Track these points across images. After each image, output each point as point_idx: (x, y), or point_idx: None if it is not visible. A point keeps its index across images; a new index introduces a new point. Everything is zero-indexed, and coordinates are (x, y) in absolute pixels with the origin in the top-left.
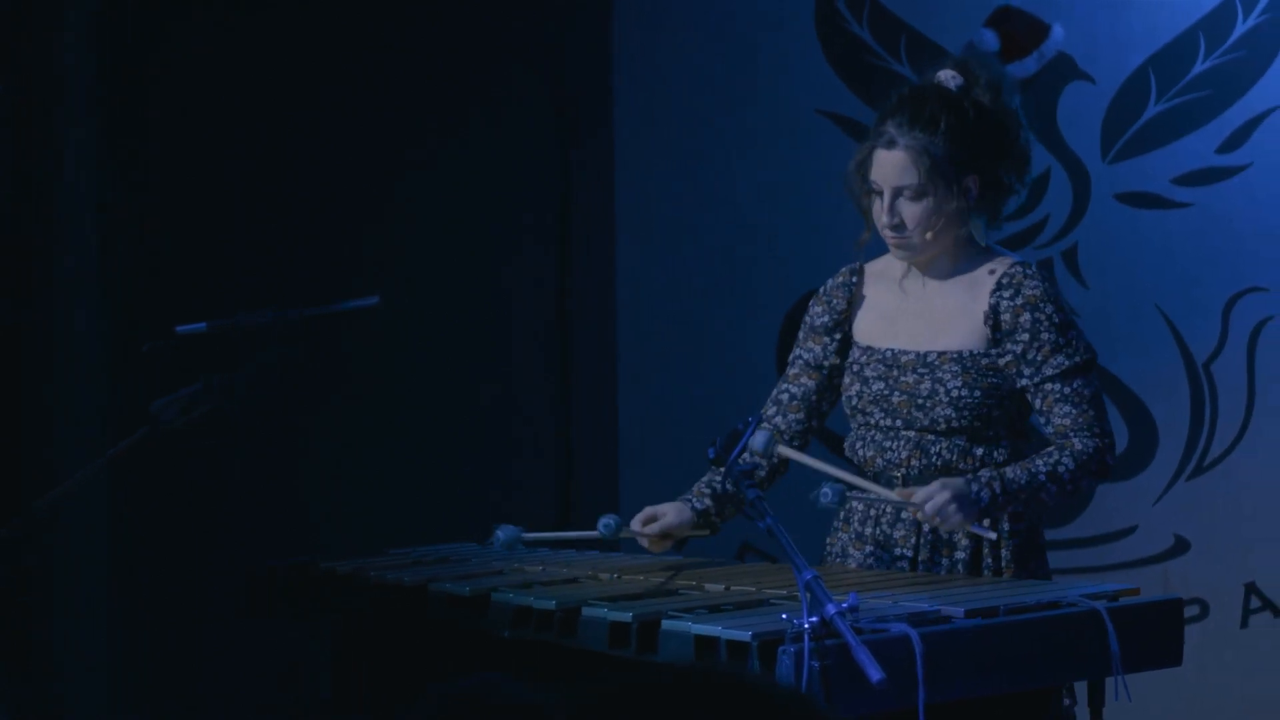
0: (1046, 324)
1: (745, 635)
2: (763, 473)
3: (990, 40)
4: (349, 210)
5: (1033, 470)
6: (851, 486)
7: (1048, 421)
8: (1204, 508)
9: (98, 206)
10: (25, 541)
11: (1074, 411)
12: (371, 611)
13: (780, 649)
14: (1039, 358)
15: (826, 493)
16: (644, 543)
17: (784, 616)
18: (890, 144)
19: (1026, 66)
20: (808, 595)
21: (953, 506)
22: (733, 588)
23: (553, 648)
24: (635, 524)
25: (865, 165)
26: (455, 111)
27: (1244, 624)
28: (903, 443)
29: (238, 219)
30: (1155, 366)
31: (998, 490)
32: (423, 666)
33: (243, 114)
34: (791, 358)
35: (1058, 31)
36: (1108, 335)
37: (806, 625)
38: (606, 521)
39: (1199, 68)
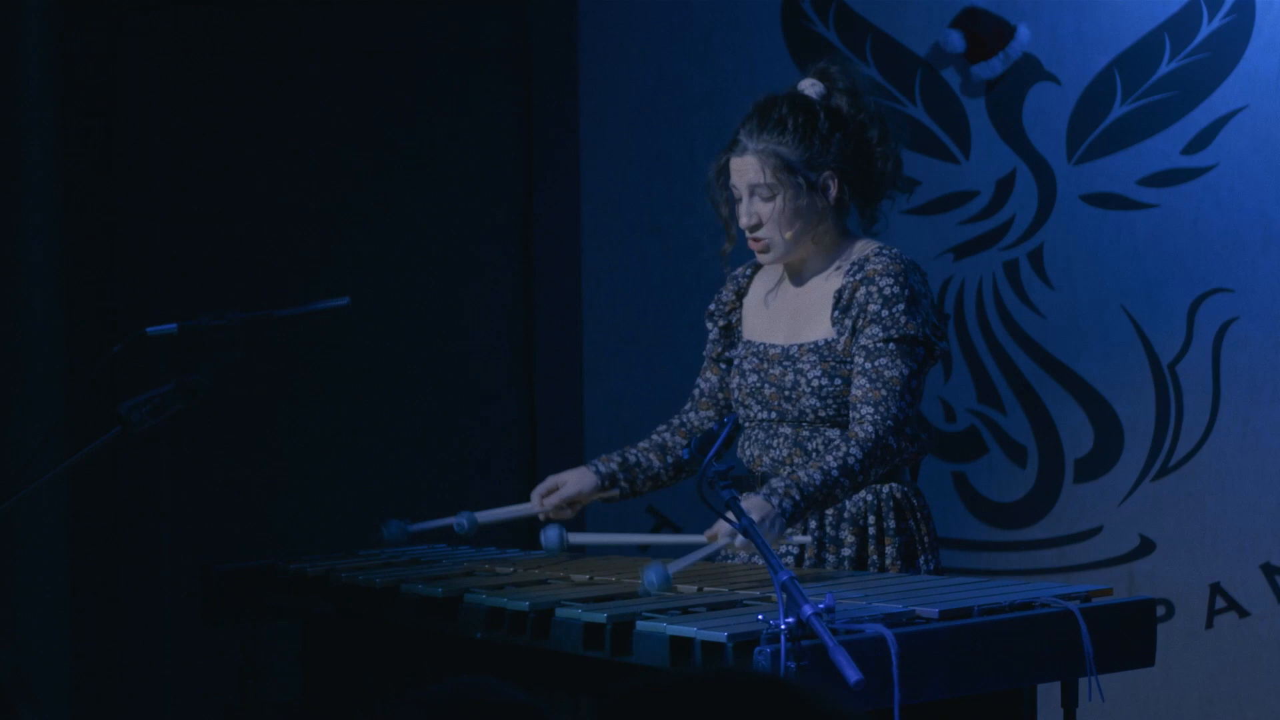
0: (876, 295)
1: (721, 636)
2: (740, 472)
3: (956, 41)
4: (316, 211)
5: (825, 468)
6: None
7: (851, 391)
8: (1169, 508)
9: (63, 207)
10: None
11: (867, 385)
12: (341, 613)
13: (756, 650)
14: (860, 326)
15: (653, 580)
16: (541, 513)
17: (760, 617)
18: (741, 150)
19: (992, 67)
20: (784, 596)
21: (764, 525)
22: (706, 589)
23: (525, 650)
24: (535, 495)
25: (723, 175)
26: (421, 113)
27: (1209, 624)
28: (782, 440)
29: (205, 221)
30: (1120, 367)
31: (797, 498)
32: (394, 669)
33: (211, 116)
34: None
35: (1023, 33)
36: (1073, 336)
37: (783, 626)
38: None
39: (1164, 69)
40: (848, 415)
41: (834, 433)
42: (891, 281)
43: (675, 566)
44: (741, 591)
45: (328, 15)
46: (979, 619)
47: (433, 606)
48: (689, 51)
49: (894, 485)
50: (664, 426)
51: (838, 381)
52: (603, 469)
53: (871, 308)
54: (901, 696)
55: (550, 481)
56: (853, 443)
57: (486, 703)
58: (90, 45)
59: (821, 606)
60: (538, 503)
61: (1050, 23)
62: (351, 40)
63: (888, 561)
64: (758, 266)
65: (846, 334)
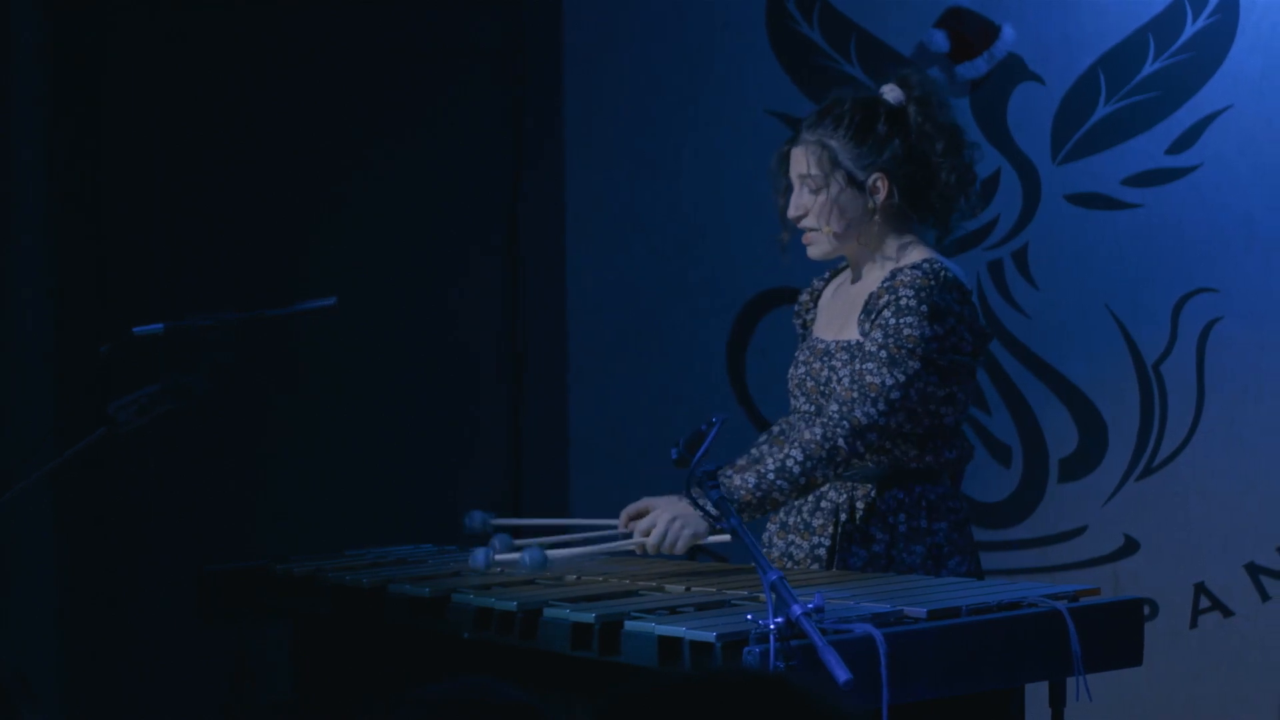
0: (892, 303)
1: (709, 636)
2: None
3: (940, 41)
4: (304, 212)
5: (761, 471)
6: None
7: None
8: (1154, 508)
9: (53, 206)
10: None
11: (846, 384)
12: (330, 613)
13: (745, 650)
14: (868, 329)
15: (524, 559)
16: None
17: (749, 617)
18: (798, 140)
19: (977, 67)
20: (773, 596)
21: (676, 525)
22: (693, 589)
23: (513, 649)
24: (623, 516)
25: (784, 163)
26: (407, 113)
27: (1193, 624)
28: None
29: (192, 220)
30: (1105, 367)
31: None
32: (383, 668)
33: (199, 115)
34: None
35: (1008, 32)
36: (1058, 336)
37: (772, 626)
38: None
39: (1149, 69)
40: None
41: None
42: (912, 294)
43: (563, 553)
44: (729, 591)
45: (315, 15)
46: (967, 619)
47: (420, 606)
48: (674, 51)
49: (928, 486)
50: (770, 430)
51: None
52: (701, 500)
53: (885, 314)
54: (890, 696)
55: (643, 503)
56: (796, 444)
57: (487, 703)
58: (80, 43)
59: (810, 606)
60: (624, 524)
61: (1035, 22)
62: (337, 41)
63: (916, 560)
64: (836, 270)
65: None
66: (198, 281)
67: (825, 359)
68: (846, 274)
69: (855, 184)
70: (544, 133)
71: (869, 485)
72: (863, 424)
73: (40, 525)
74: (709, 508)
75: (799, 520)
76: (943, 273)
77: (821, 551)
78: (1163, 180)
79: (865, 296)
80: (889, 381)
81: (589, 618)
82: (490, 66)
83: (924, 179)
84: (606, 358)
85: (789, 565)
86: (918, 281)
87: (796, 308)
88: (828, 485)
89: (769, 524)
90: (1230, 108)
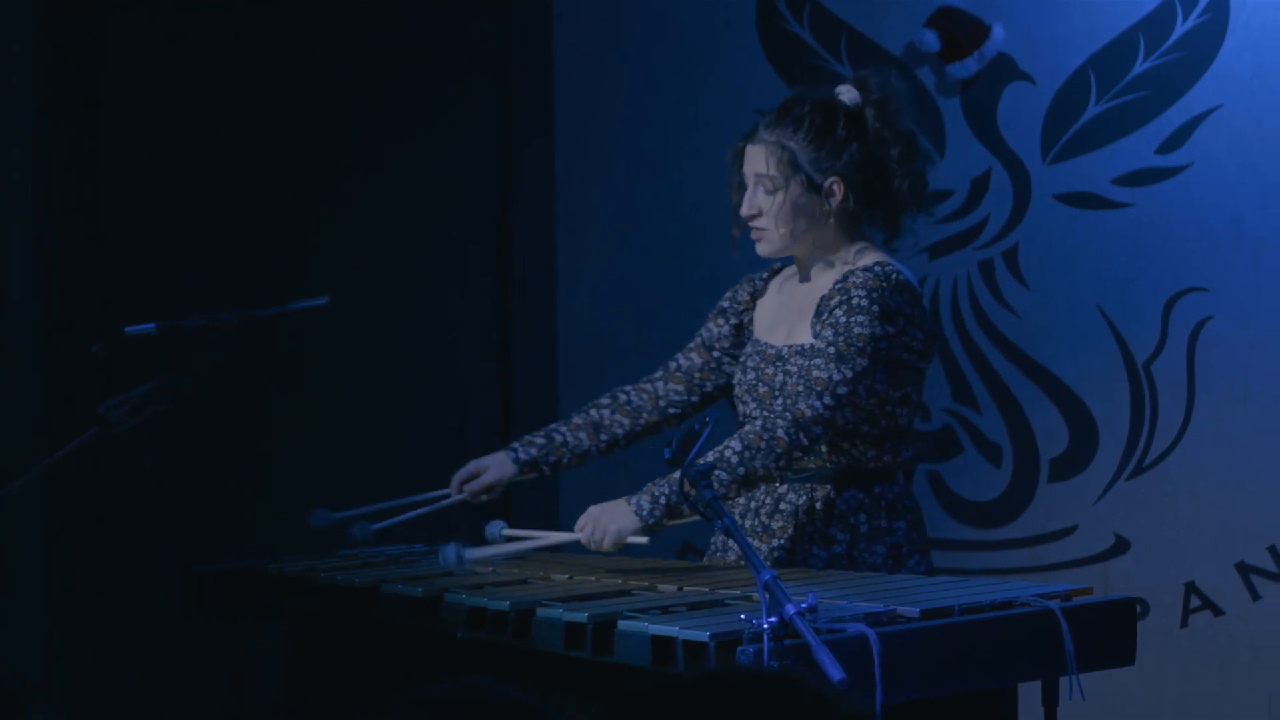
0: (842, 303)
1: (703, 635)
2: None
3: (931, 41)
4: (296, 211)
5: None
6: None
7: None
8: (1144, 507)
9: (41, 206)
10: None
11: (791, 380)
12: (322, 613)
13: (739, 649)
14: (819, 328)
15: (448, 554)
16: (460, 498)
17: (742, 617)
18: (755, 139)
19: (967, 67)
20: (766, 595)
21: (603, 521)
22: (686, 588)
23: (505, 649)
24: (454, 481)
25: (738, 160)
26: (399, 113)
27: (1184, 623)
28: None
29: (185, 220)
30: (1095, 366)
31: (657, 496)
32: (375, 668)
33: (191, 115)
34: (697, 334)
35: (998, 32)
36: (1048, 335)
37: (765, 625)
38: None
39: (1139, 68)
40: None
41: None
42: (864, 294)
43: (478, 552)
44: (722, 591)
45: (307, 16)
46: (960, 618)
47: (413, 606)
48: (664, 51)
49: (886, 486)
50: (615, 394)
51: None
52: (523, 455)
53: (836, 314)
54: (883, 696)
55: (471, 467)
56: (736, 436)
57: (487, 703)
58: (75, 41)
59: (804, 606)
60: (456, 488)
61: (1025, 22)
62: (329, 41)
63: (878, 560)
64: (775, 270)
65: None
66: (190, 281)
67: (778, 364)
68: (788, 274)
69: (812, 187)
70: (535, 133)
71: (827, 486)
72: (806, 416)
73: (34, 526)
74: (701, 507)
75: (757, 523)
76: (894, 275)
77: (780, 554)
78: (1153, 180)
79: (816, 299)
80: (835, 376)
81: (582, 617)
82: (482, 66)
83: (879, 184)
84: (598, 357)
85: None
86: (870, 283)
87: (729, 305)
88: (786, 487)
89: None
90: (1220, 107)
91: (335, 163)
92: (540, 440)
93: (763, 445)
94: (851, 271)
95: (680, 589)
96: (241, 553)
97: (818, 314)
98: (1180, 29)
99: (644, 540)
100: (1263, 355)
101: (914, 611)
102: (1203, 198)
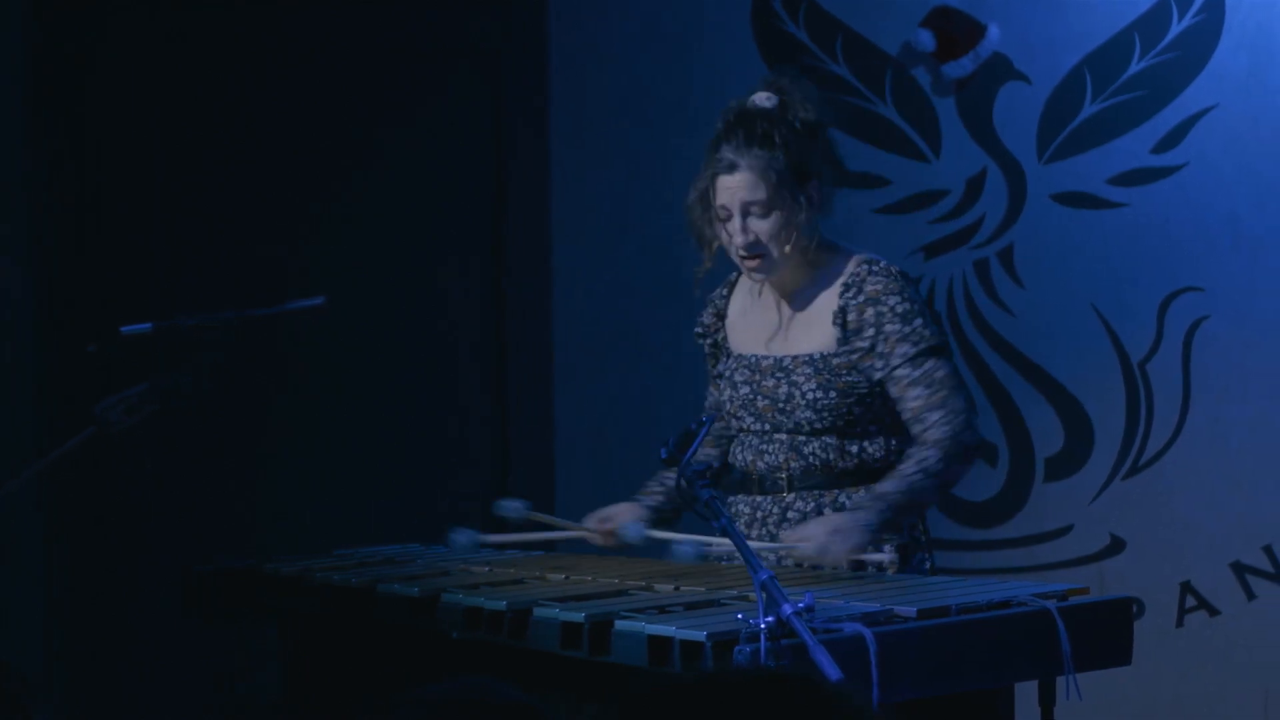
0: (889, 315)
1: (700, 635)
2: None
3: (927, 40)
4: (291, 211)
5: (904, 474)
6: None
7: (903, 408)
8: (1139, 507)
9: (36, 205)
10: None
11: (925, 393)
12: (318, 613)
13: (736, 649)
14: (885, 349)
15: (686, 549)
16: (596, 540)
17: (739, 616)
18: (731, 168)
19: (962, 66)
20: (763, 595)
21: (837, 538)
22: (682, 588)
23: (502, 649)
24: (589, 520)
25: (708, 194)
26: (393, 113)
27: (1179, 623)
28: (778, 445)
29: (180, 219)
30: (1091, 366)
31: (882, 508)
32: (372, 668)
33: (184, 114)
34: None
35: (994, 32)
36: (1043, 335)
37: (763, 625)
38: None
39: (1134, 68)
40: (842, 426)
41: (832, 439)
42: (899, 299)
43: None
44: (719, 591)
45: (302, 15)
46: (957, 618)
47: (409, 606)
48: (660, 51)
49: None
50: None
51: (832, 394)
52: (649, 503)
53: (889, 328)
54: (880, 695)
55: (603, 513)
56: (928, 446)
57: (487, 703)
58: (68, 41)
59: (801, 605)
60: (593, 523)
61: (1020, 22)
62: (323, 41)
63: (886, 560)
64: (731, 285)
65: (859, 355)
66: (185, 281)
67: (780, 375)
68: (746, 286)
69: (801, 198)
70: (529, 133)
71: (834, 491)
72: (968, 409)
73: (32, 526)
74: (699, 507)
75: (764, 532)
76: (893, 269)
77: (789, 561)
78: (1148, 179)
79: (813, 307)
80: (951, 369)
81: (579, 617)
82: (477, 67)
83: (837, 173)
84: (592, 357)
85: None
86: (894, 287)
87: (701, 330)
88: (793, 495)
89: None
90: (1216, 107)
91: (330, 162)
92: (658, 489)
93: (957, 452)
94: (860, 280)
95: (677, 589)
96: (242, 552)
97: (850, 330)
98: (1175, 29)
99: (883, 558)
100: (1258, 355)
101: (911, 611)
102: (1198, 197)
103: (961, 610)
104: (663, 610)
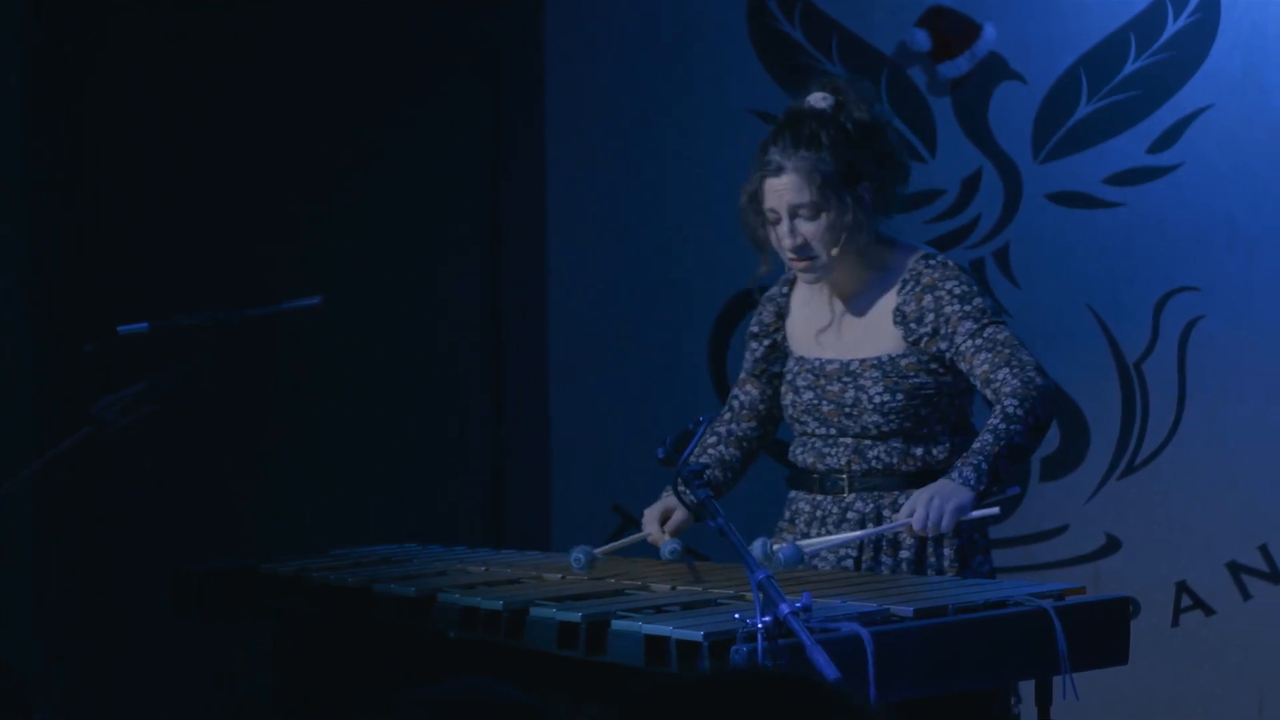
0: (947, 298)
1: (697, 635)
2: (716, 474)
3: (922, 40)
4: (288, 211)
5: (991, 426)
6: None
7: (973, 374)
8: (1135, 507)
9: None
10: None
11: (990, 356)
12: (317, 613)
13: (733, 649)
14: (949, 329)
15: (787, 550)
16: (653, 539)
17: (736, 616)
18: (778, 170)
19: (958, 66)
20: (760, 595)
21: (936, 503)
22: (678, 588)
23: (498, 648)
24: (649, 524)
25: (757, 197)
26: (389, 113)
27: (1175, 623)
28: (841, 449)
29: (178, 218)
30: (1086, 366)
31: (978, 463)
32: (367, 668)
33: (183, 113)
34: (743, 364)
35: (989, 31)
36: (1039, 334)
37: (760, 625)
38: (578, 556)
39: (1130, 68)
40: (909, 429)
41: (898, 442)
42: (955, 283)
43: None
44: (715, 590)
45: (300, 16)
46: (954, 617)
47: (406, 606)
48: (656, 51)
49: None
50: (714, 439)
51: (899, 397)
52: (688, 498)
53: (949, 309)
54: (877, 695)
55: (661, 509)
56: (1005, 395)
57: (487, 703)
58: (67, 40)
59: (798, 605)
60: (657, 529)
61: (1016, 22)
62: (321, 40)
63: (945, 564)
64: (792, 283)
65: (924, 340)
66: (183, 280)
67: (847, 380)
68: (807, 289)
69: (849, 199)
70: (525, 133)
71: (894, 493)
72: (1036, 361)
73: (30, 526)
74: (695, 507)
75: (823, 532)
76: (950, 261)
77: (849, 563)
78: (1144, 179)
79: (875, 309)
80: (1011, 332)
81: (575, 617)
82: (475, 66)
83: (893, 174)
84: (588, 357)
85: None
86: (950, 274)
87: (758, 329)
88: (853, 496)
89: (785, 534)
90: (1211, 107)
91: (328, 162)
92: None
93: (1036, 395)
94: (917, 274)
95: (674, 589)
96: (240, 552)
97: (912, 322)
98: (1171, 28)
99: (994, 511)
100: (1254, 355)
101: (908, 611)
102: (1194, 197)
103: (958, 610)
104: (659, 610)
